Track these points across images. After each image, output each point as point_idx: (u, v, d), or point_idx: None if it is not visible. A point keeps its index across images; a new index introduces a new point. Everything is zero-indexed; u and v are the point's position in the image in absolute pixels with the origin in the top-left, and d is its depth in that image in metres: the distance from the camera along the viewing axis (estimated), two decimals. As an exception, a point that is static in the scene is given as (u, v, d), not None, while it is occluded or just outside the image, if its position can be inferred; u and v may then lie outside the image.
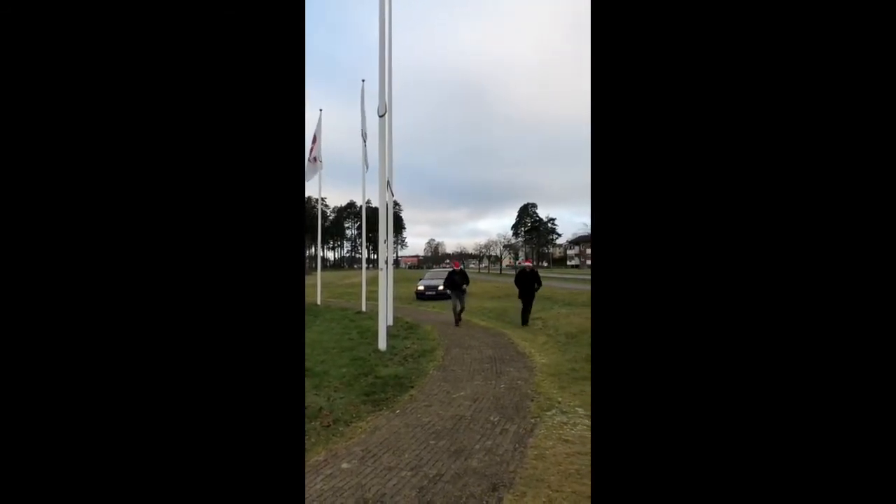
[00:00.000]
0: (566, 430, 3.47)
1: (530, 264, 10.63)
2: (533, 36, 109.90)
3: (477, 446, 3.17)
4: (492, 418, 3.77)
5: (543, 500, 2.43)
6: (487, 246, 55.29)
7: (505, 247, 56.73)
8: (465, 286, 9.70)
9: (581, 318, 8.66)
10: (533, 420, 3.70)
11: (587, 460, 2.88)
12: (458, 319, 9.72)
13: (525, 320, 9.46)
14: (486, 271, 51.01)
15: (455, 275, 9.70)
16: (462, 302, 9.76)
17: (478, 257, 60.45)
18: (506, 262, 56.22)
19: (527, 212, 72.88)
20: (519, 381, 4.93)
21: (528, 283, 9.56)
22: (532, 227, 68.51)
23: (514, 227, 71.59)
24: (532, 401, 4.23)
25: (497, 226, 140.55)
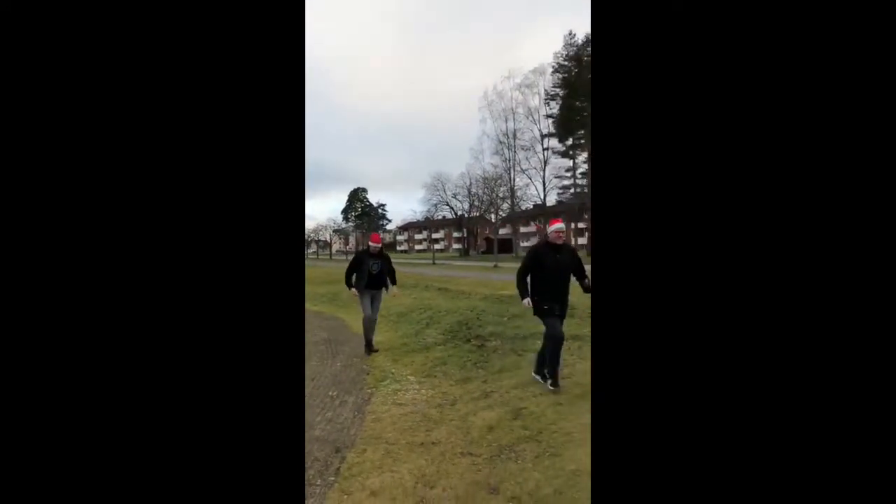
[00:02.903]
0: (399, 395, 3.88)
1: (561, 226, 3.83)
2: (362, 36, 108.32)
3: (318, 418, 3.36)
4: (331, 393, 3.98)
5: (382, 452, 2.77)
6: (316, 230, 53.46)
7: (335, 231, 55.61)
8: (392, 284, 5.59)
9: (410, 299, 9.28)
10: (370, 390, 4.03)
11: (418, 418, 3.33)
12: (369, 341, 5.47)
13: (551, 374, 3.67)
14: (314, 256, 49.42)
15: (371, 259, 5.29)
16: (376, 311, 5.52)
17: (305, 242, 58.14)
18: (335, 247, 55.28)
19: (357, 196, 72.59)
20: (355, 359, 5.20)
21: (561, 275, 3.66)
22: (363, 213, 68.60)
23: (345, 212, 70.67)
24: (368, 374, 4.55)
25: (325, 209, 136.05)
